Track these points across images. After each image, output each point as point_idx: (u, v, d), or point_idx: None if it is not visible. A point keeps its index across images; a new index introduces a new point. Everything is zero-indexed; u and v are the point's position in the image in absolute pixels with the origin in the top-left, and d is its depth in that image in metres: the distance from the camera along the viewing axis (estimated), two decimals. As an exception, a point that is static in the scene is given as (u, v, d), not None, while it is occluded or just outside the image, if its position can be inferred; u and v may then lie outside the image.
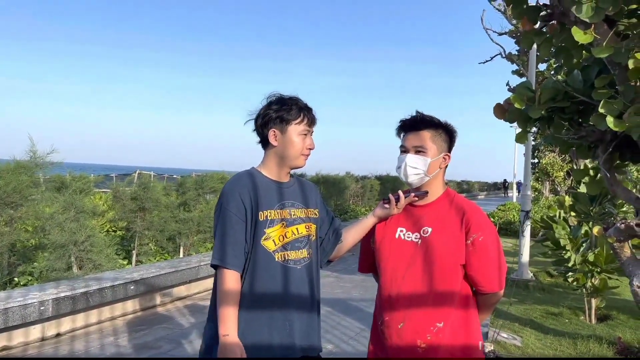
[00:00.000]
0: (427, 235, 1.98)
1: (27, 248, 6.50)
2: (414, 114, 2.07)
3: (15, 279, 6.14)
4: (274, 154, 2.09)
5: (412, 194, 2.08)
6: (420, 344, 1.91)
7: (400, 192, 2.11)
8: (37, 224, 6.41)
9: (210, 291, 2.13)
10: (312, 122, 2.10)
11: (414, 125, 2.04)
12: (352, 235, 2.27)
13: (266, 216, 2.01)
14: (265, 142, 2.10)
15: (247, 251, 1.97)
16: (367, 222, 2.21)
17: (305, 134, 2.08)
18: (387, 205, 2.13)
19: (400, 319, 1.96)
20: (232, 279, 1.92)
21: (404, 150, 2.06)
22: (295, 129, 2.05)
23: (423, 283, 1.95)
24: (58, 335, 4.82)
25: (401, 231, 2.06)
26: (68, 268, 6.21)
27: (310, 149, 2.11)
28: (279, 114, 2.04)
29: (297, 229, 2.08)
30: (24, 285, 5.93)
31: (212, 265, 1.98)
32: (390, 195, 2.12)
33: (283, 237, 2.03)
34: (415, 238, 2.00)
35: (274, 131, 2.05)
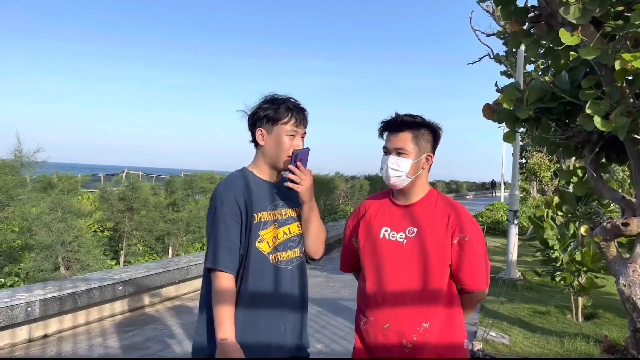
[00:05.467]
0: (412, 235, 1.98)
1: (13, 248, 6.43)
2: (395, 114, 2.04)
3: (2, 279, 6.07)
4: (262, 154, 2.07)
5: (298, 162, 2.01)
6: (406, 344, 1.92)
7: (290, 166, 2.00)
8: (23, 225, 6.34)
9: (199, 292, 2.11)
10: (300, 122, 2.04)
11: (394, 126, 2.02)
12: (304, 232, 2.14)
13: (260, 218, 2.00)
14: (255, 142, 2.08)
15: (242, 254, 1.96)
16: (304, 212, 2.11)
17: (294, 135, 2.03)
18: (292, 187, 2.03)
19: (386, 319, 1.96)
20: (227, 282, 1.91)
21: (386, 151, 2.04)
22: (282, 129, 2.01)
23: (409, 283, 1.95)
24: (45, 336, 4.78)
25: (386, 231, 2.04)
26: (55, 269, 6.15)
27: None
28: (266, 112, 2.01)
29: (289, 228, 2.08)
30: (11, 286, 5.87)
31: (207, 269, 1.95)
32: (286, 184, 2.03)
33: (275, 239, 2.03)
34: (401, 238, 2.00)
35: (261, 130, 2.03)
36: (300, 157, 2.04)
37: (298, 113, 2.04)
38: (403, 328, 1.93)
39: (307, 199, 2.06)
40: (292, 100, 2.06)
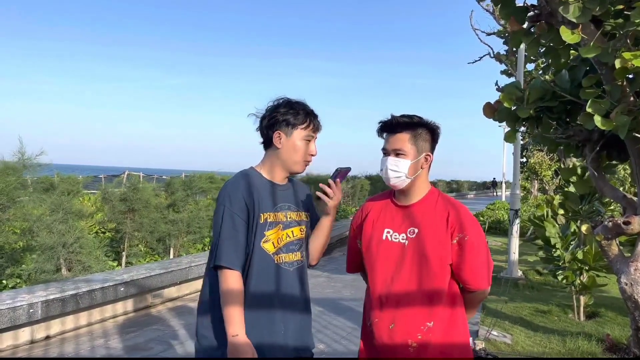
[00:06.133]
0: (413, 235, 1.99)
1: (15, 250, 6.43)
2: (391, 115, 2.06)
3: (4, 281, 6.08)
4: (276, 156, 2.09)
5: (337, 179, 2.11)
6: (411, 343, 1.93)
7: (330, 180, 2.11)
8: (25, 226, 6.35)
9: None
10: (317, 128, 2.11)
11: (392, 128, 2.04)
12: (314, 239, 2.22)
13: (266, 218, 2.02)
14: (268, 144, 2.11)
15: (247, 253, 1.98)
16: (322, 223, 2.20)
17: (309, 140, 2.09)
18: (321, 201, 2.12)
19: (391, 319, 1.97)
20: (236, 280, 1.93)
21: (385, 152, 2.06)
22: (300, 134, 2.06)
23: (412, 283, 1.96)
24: (47, 337, 4.79)
25: (388, 232, 2.06)
26: (57, 270, 6.15)
27: (312, 155, 2.11)
28: (285, 117, 2.04)
29: (292, 231, 2.10)
30: (13, 287, 5.87)
31: (215, 266, 1.96)
32: (317, 193, 2.12)
33: (280, 240, 2.05)
34: (402, 239, 2.01)
35: (279, 133, 2.05)
36: (341, 174, 2.13)
37: (315, 118, 2.11)
38: (408, 328, 1.94)
39: (331, 213, 2.17)
40: (308, 106, 2.11)
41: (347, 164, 2.14)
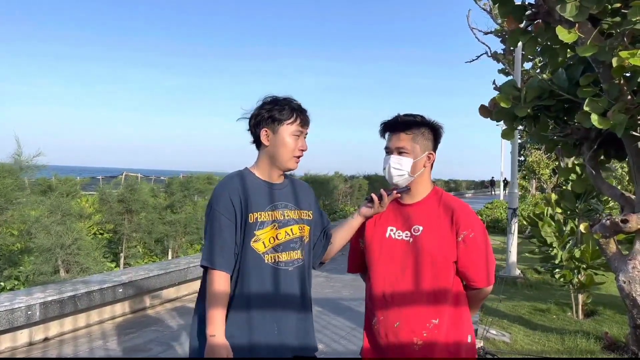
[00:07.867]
0: (418, 233, 2.00)
1: (12, 252, 6.42)
2: (396, 114, 2.08)
3: (1, 283, 6.06)
4: (266, 154, 2.08)
5: (395, 191, 2.11)
6: (416, 341, 1.93)
7: (382, 191, 2.12)
8: (22, 228, 6.33)
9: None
10: (305, 123, 2.09)
11: (395, 127, 2.06)
12: (340, 235, 2.26)
13: (256, 218, 2.00)
14: (258, 143, 2.10)
15: (237, 253, 1.98)
16: (353, 222, 2.21)
17: (298, 135, 2.07)
18: (370, 205, 2.14)
19: (396, 317, 1.97)
20: (221, 281, 1.93)
21: (388, 151, 2.08)
22: (287, 129, 2.04)
23: (416, 281, 1.97)
24: (46, 339, 4.77)
25: (391, 230, 2.07)
26: (55, 272, 6.14)
27: (302, 150, 2.09)
28: (271, 113, 2.03)
29: (291, 229, 2.08)
30: (10, 289, 5.86)
31: (202, 266, 1.98)
32: (373, 195, 2.14)
33: (274, 239, 2.02)
34: (406, 237, 2.02)
35: (266, 131, 2.05)
36: (399, 192, 2.10)
37: (302, 113, 2.09)
38: (413, 326, 1.95)
39: (367, 218, 2.17)
40: (294, 101, 2.09)
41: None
